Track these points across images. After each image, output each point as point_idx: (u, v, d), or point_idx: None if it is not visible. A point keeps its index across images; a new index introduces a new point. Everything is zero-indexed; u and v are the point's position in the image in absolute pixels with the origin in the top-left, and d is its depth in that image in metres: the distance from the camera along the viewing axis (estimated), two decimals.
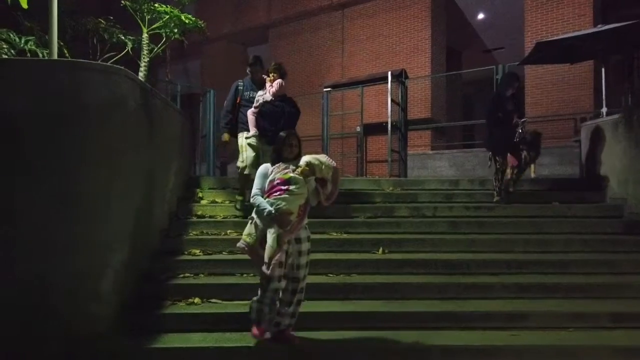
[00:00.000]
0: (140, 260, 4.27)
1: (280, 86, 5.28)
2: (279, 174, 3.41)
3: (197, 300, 4.09)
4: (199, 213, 5.62)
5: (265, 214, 3.30)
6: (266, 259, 3.28)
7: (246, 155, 5.44)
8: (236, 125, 5.60)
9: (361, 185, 6.58)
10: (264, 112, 5.24)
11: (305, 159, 3.45)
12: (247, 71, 5.63)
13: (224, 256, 4.78)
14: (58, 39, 4.06)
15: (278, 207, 3.29)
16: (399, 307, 4.11)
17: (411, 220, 5.64)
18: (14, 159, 3.33)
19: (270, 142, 4.58)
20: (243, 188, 5.54)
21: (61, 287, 3.41)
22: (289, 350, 3.53)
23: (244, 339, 3.59)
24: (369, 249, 5.01)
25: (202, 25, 6.42)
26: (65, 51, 5.41)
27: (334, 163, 3.49)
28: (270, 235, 3.27)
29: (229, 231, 5.26)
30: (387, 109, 9.56)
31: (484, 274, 4.63)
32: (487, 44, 15.40)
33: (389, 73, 9.73)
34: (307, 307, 3.74)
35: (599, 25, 7.06)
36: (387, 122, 9.51)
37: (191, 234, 5.18)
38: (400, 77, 9.87)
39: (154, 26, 6.00)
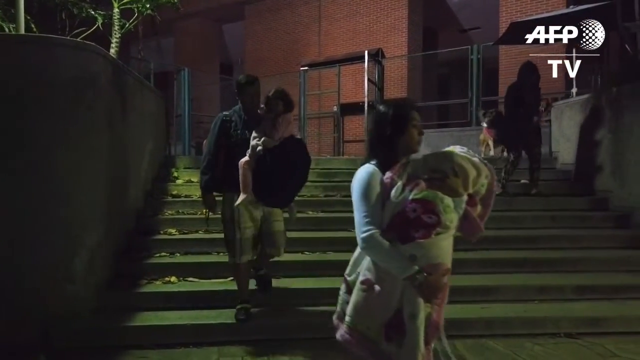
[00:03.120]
0: (116, 240, 4.24)
1: (289, 124, 3.44)
2: (412, 191, 1.74)
3: (173, 279, 4.10)
4: (175, 192, 5.60)
5: (403, 275, 1.73)
6: None
7: (239, 235, 3.44)
8: (224, 181, 3.52)
9: (338, 164, 6.64)
10: (266, 162, 3.31)
11: (447, 161, 1.79)
12: (237, 98, 3.60)
13: (200, 235, 4.78)
14: (25, 13, 3.93)
15: (432, 262, 1.77)
16: None
17: None
18: None
19: (274, 206, 3.46)
20: (242, 288, 3.63)
21: (35, 268, 3.37)
22: (267, 326, 3.59)
23: (221, 316, 3.63)
24: (345, 227, 5.07)
25: (175, 0, 6.27)
26: (33, 26, 5.23)
27: (490, 165, 1.91)
28: (415, 321, 1.76)
29: (205, 210, 5.23)
30: (363, 89, 9.58)
31: (457, 250, 4.63)
32: (464, 23, 15.45)
33: (366, 52, 9.72)
34: (284, 283, 3.81)
35: (571, 6, 7.18)
36: (363, 102, 9.54)
37: (167, 214, 5.16)
38: (376, 56, 9.88)
39: (124, 0, 5.83)
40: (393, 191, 1.77)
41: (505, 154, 5.93)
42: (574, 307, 3.94)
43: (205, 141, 3.72)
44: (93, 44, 3.72)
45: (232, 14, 16.21)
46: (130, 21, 6.05)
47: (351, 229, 4.91)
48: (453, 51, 10.87)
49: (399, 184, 1.76)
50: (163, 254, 4.47)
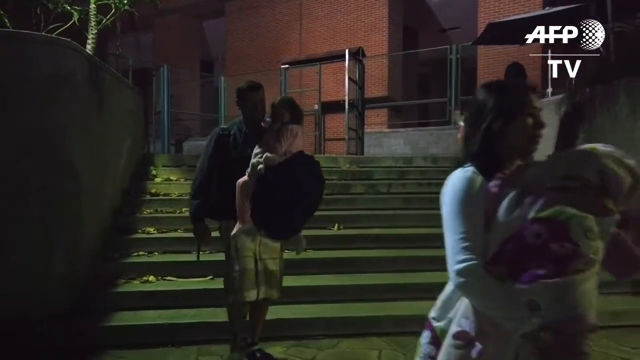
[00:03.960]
0: (93, 240, 4.19)
1: (296, 137, 2.88)
2: (535, 206, 1.21)
3: (151, 278, 4.08)
4: (153, 191, 5.55)
5: (519, 331, 1.20)
6: None
7: (238, 267, 2.86)
8: (221, 207, 2.95)
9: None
10: (268, 182, 2.74)
11: (589, 164, 1.21)
12: (237, 106, 3.06)
13: (179, 234, 4.76)
14: None
15: (568, 314, 1.17)
16: (353, 280, 4.24)
17: (366, 196, 5.79)
18: None
19: (277, 236, 2.89)
20: (234, 321, 3.07)
21: (13, 269, 3.31)
22: (245, 324, 3.58)
23: (200, 315, 3.63)
24: (325, 225, 5.10)
25: None
26: (7, 21, 5.10)
27: None
28: None
29: (183, 209, 5.21)
30: (344, 87, 9.61)
31: (434, 247, 4.79)
32: (443, 23, 15.60)
33: (347, 51, 9.75)
34: None
35: (547, 8, 7.32)
36: (344, 101, 9.57)
37: (145, 212, 5.12)
38: (357, 55, 9.91)
39: None
40: (504, 205, 1.24)
41: None
42: None
43: (199, 163, 3.06)
44: (68, 39, 3.67)
45: (213, 10, 16.07)
46: (107, 17, 5.95)
47: (330, 227, 5.02)
48: (433, 50, 10.99)
49: (513, 194, 1.23)
50: (141, 253, 4.44)
